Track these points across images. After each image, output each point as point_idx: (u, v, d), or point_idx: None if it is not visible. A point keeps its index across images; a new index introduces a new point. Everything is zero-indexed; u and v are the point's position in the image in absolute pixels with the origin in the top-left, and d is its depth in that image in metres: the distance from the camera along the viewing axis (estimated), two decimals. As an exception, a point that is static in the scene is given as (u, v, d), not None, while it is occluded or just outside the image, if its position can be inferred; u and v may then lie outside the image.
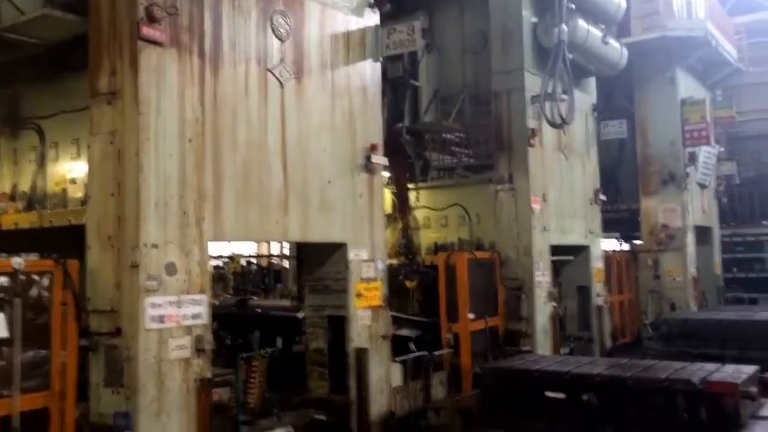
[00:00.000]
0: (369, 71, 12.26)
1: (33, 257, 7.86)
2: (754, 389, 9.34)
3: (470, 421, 10.37)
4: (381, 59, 12.50)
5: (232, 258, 19.59)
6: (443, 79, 17.58)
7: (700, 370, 9.90)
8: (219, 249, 18.21)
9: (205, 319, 9.03)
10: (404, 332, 14.16)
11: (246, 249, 21.58)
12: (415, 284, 15.41)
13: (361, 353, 11.44)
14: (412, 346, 13.84)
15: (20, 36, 9.80)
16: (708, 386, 9.21)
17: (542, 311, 15.95)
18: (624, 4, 18.93)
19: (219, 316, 14.14)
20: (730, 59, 25.35)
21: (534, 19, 16.61)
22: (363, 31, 12.09)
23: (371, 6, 12.29)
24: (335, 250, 11.55)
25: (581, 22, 16.92)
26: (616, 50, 19.04)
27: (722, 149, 27.44)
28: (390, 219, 16.84)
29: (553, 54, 15.82)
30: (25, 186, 11.03)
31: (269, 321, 13.87)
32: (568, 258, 18.07)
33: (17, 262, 7.58)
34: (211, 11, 9.49)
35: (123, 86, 8.55)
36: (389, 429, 11.77)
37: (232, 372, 10.23)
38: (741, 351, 15.61)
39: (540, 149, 16.52)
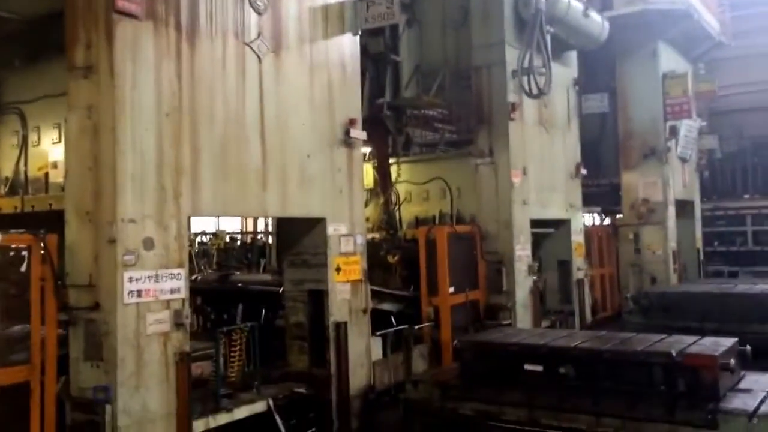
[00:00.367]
0: (348, 45, 12.23)
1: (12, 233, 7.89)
2: (732, 362, 9.36)
3: (448, 394, 10.39)
4: (360, 33, 12.44)
5: (216, 234, 19.59)
6: (424, 54, 17.51)
7: (679, 343, 9.90)
8: (203, 225, 18.21)
9: (183, 293, 9.04)
10: (386, 306, 14.25)
11: (232, 225, 21.57)
12: (397, 259, 15.44)
13: (341, 327, 11.49)
14: (393, 319, 13.92)
15: (-1, 11, 9.77)
16: (686, 359, 9.21)
17: (522, 285, 16.03)
18: (606, -23, 18.92)
19: (202, 291, 14.26)
20: (712, 33, 25.34)
21: (515, -8, 16.54)
22: (341, 5, 12.03)
23: (349, -21, 12.24)
24: (314, 224, 11.56)
25: (562, -6, 16.87)
26: (598, 23, 19.03)
27: (704, 123, 27.50)
28: (372, 194, 16.87)
29: (530, 24, 15.84)
30: (7, 171, 11.01)
31: (251, 295, 13.91)
32: (548, 231, 18.15)
33: (-7, 237, 7.58)
34: (188, -16, 9.45)
35: (99, 60, 8.49)
36: (368, 402, 11.88)
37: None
38: (720, 324, 15.74)
39: (521, 123, 16.56)
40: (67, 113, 8.79)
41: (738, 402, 8.93)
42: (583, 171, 19.64)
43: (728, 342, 9.86)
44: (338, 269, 11.68)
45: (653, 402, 9.16)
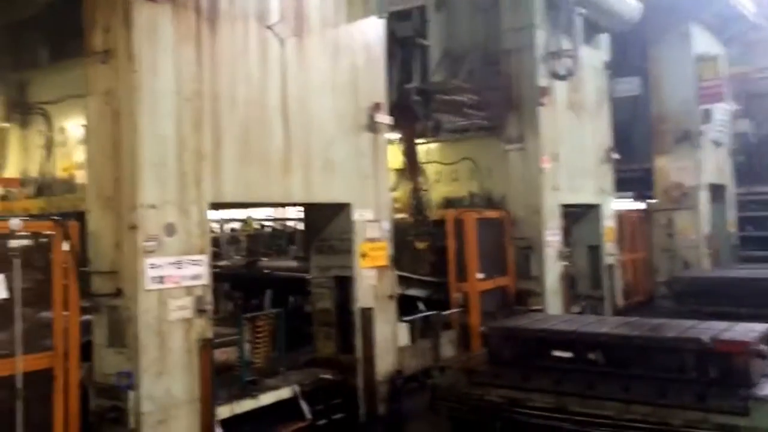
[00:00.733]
0: (372, 28, 12.14)
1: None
2: (765, 348, 9.17)
3: (476, 380, 10.28)
4: (385, 16, 12.35)
5: (245, 220, 19.57)
6: (453, 38, 17.33)
7: (710, 329, 9.68)
8: (234, 212, 18.23)
9: (205, 279, 9.01)
10: (413, 292, 14.21)
11: (262, 212, 21.54)
12: (425, 245, 15.38)
13: (367, 313, 11.46)
14: (421, 305, 13.86)
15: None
16: (718, 345, 9.01)
17: (552, 270, 15.92)
18: (638, -42, 18.66)
19: (230, 276, 14.26)
20: (746, 14, 24.87)
21: (545, -25, 16.38)
22: (366, -13, 11.94)
23: (374, -40, 12.13)
24: (339, 210, 11.52)
25: (594, -24, 16.69)
26: (629, 5, 18.78)
27: (739, 107, 27.07)
28: (401, 173, 16.83)
29: (560, 4, 15.69)
30: (34, 172, 11.01)
31: (279, 282, 13.91)
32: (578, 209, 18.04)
33: (15, 222, 7.57)
34: (208, -34, 9.39)
35: (117, 44, 8.45)
36: (395, 387, 11.80)
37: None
38: (754, 309, 15.45)
39: (551, 108, 16.39)
40: (86, 99, 8.76)
41: (771, 388, 8.76)
42: (615, 155, 19.44)
43: (761, 327, 9.64)
44: (364, 255, 11.63)
45: (684, 389, 8.96)
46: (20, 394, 7.57)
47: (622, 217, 20.63)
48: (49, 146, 10.83)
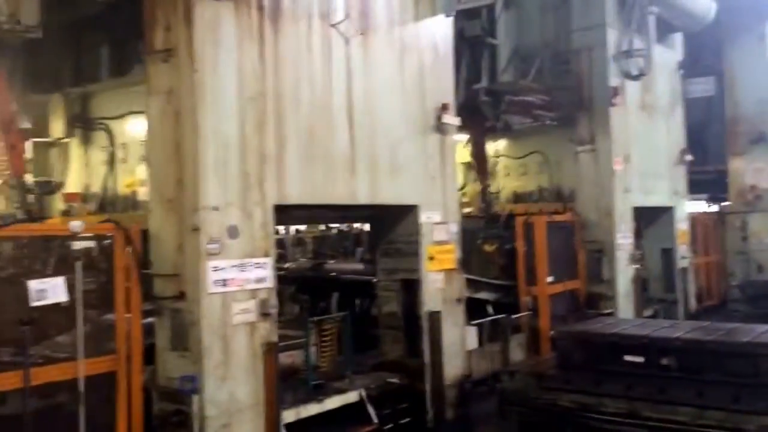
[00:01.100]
0: (440, 27, 11.94)
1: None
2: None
3: (546, 384, 10.07)
4: (453, 15, 12.16)
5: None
6: (522, 37, 17.04)
7: (786, 333, 9.50)
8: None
9: (269, 282, 8.88)
10: (482, 295, 14.12)
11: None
12: (494, 248, 15.23)
13: (434, 316, 11.26)
14: (490, 309, 13.68)
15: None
16: (792, 350, 8.81)
17: (624, 274, 15.64)
18: (713, -45, 18.29)
19: (296, 279, 14.21)
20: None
21: (616, -27, 16.08)
22: (434, -16, 11.74)
23: (442, -42, 11.93)
24: (406, 212, 11.34)
25: (666, -26, 16.35)
26: (703, 4, 18.46)
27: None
28: (468, 167, 16.79)
29: (631, 1, 15.39)
30: (96, 187, 11.02)
31: (345, 284, 13.82)
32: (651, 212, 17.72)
33: (76, 225, 7.51)
34: (271, -37, 9.25)
35: (178, 43, 8.34)
36: (464, 392, 11.65)
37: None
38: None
39: (623, 108, 16.11)
40: (147, 98, 8.68)
41: None
42: (688, 157, 19.14)
43: (838, 333, 9.38)
44: (431, 258, 11.43)
45: (759, 394, 8.75)
46: (83, 398, 7.50)
47: (695, 219, 20.28)
48: (111, 162, 10.82)
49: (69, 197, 11.01)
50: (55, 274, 7.47)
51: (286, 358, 9.99)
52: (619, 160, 15.79)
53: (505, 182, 17.64)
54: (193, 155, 8.23)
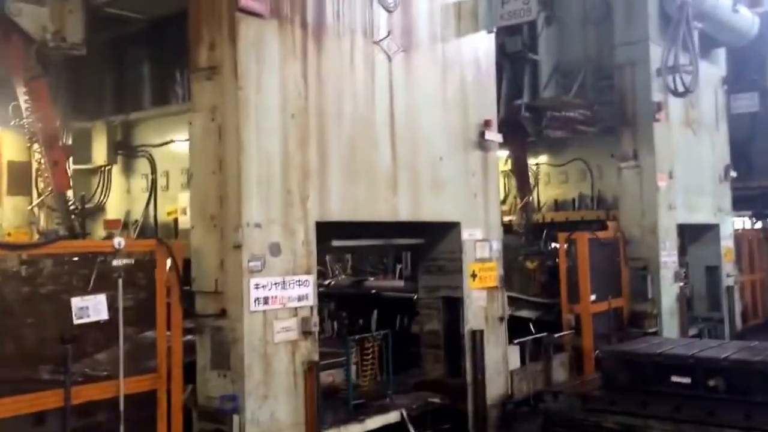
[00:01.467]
0: (482, 43, 11.85)
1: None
2: None
3: (590, 405, 9.92)
4: (495, 31, 12.07)
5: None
6: (564, 52, 16.96)
7: (836, 352, 9.33)
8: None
9: (311, 300, 8.80)
10: (524, 313, 13.95)
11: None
12: (536, 264, 15.10)
13: (477, 335, 11.13)
14: (532, 327, 13.52)
15: (121, 10, 9.81)
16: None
17: (668, 292, 15.42)
18: (756, -29, 18.10)
19: (336, 296, 14.13)
20: None
21: (660, -12, 15.92)
22: (475, 1, 11.69)
23: (484, -26, 11.86)
24: (448, 229, 11.23)
25: (710, -11, 16.16)
26: (747, 19, 18.24)
27: None
28: (509, 175, 17.03)
29: (676, 19, 15.18)
30: (137, 214, 11.02)
31: (386, 302, 13.72)
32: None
33: (118, 241, 7.47)
34: (314, -19, 9.22)
35: (222, 60, 8.30)
36: (506, 412, 11.51)
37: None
38: None
39: (666, 124, 15.92)
40: (190, 115, 8.64)
41: None
42: (733, 173, 18.95)
43: None
44: (474, 275, 11.32)
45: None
46: (123, 417, 7.43)
47: (739, 236, 20.02)
48: (152, 189, 10.80)
49: (109, 224, 11.00)
50: (96, 290, 7.44)
51: (326, 377, 9.89)
52: (663, 176, 15.59)
53: (546, 190, 17.60)
54: (236, 172, 8.17)
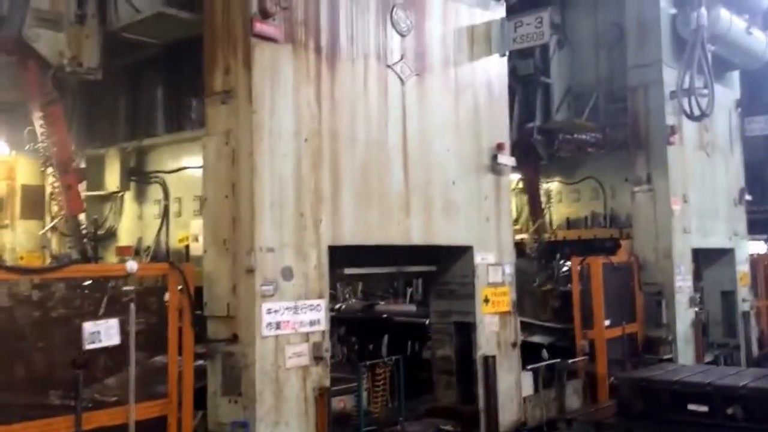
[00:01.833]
0: (495, 67, 11.83)
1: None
2: None
3: (605, 433, 9.86)
4: (508, 54, 12.06)
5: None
6: (576, 75, 16.96)
7: None
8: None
9: (323, 325, 8.74)
10: (537, 339, 13.81)
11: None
12: (549, 289, 14.99)
13: (489, 361, 11.03)
14: (544, 353, 13.41)
15: (137, 36, 9.80)
16: None
17: (683, 317, 15.27)
18: (769, -7, 18.02)
19: (346, 320, 14.02)
20: None
21: (673, 10, 15.95)
22: (488, 25, 11.68)
23: (497, -2, 11.86)
24: (461, 253, 11.16)
25: (723, 12, 16.17)
26: (761, 41, 18.12)
27: None
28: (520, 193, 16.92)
29: (691, 42, 15.12)
30: (149, 240, 10.94)
31: (396, 327, 13.60)
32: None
33: (131, 265, 7.41)
34: (328, 5, 9.23)
35: (237, 85, 8.33)
36: (519, 440, 11.35)
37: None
38: None
39: (680, 147, 15.84)
40: (204, 139, 8.64)
41: None
42: (748, 197, 18.82)
43: None
44: (486, 300, 11.24)
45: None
46: (133, 444, 7.37)
47: (755, 260, 19.82)
48: (165, 216, 10.74)
49: (122, 251, 10.95)
50: (107, 315, 7.39)
51: (337, 403, 9.79)
52: (677, 199, 15.50)
53: (558, 208, 17.53)
54: (249, 196, 8.15)
